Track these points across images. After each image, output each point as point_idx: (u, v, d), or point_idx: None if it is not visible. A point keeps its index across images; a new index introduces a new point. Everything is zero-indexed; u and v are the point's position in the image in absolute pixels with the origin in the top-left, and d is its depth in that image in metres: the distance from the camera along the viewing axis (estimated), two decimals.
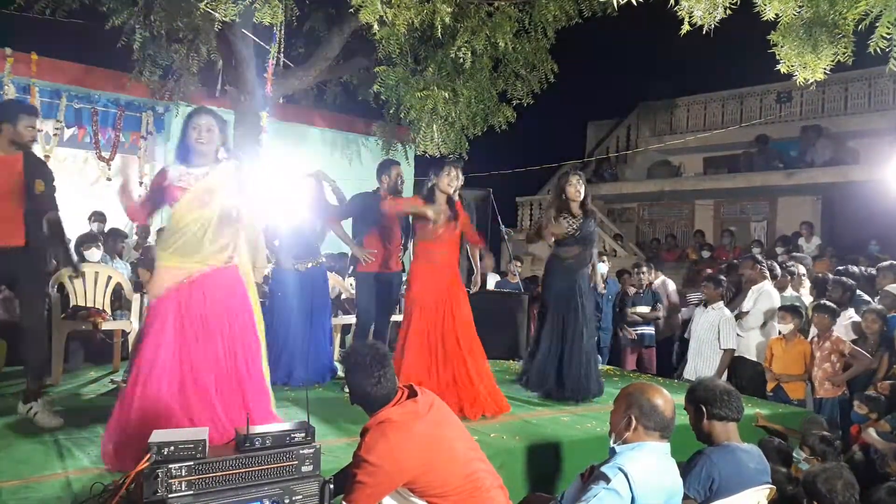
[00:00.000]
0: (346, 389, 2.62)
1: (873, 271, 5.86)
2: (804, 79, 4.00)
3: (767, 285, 5.64)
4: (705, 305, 5.76)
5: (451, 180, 4.28)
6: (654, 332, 7.22)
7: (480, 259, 4.97)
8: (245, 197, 3.27)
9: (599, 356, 6.87)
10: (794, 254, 8.22)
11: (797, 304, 5.62)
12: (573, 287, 4.76)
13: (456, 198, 4.39)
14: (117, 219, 8.25)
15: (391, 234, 4.95)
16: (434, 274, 4.31)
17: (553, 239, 4.78)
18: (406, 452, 2.34)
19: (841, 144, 11.52)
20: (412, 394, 2.53)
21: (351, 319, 6.29)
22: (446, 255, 4.38)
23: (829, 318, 5.04)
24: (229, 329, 3.13)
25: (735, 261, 8.06)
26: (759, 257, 6.08)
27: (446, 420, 2.58)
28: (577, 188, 4.75)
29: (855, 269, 6.23)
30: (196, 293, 3.09)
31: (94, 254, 5.54)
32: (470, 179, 5.82)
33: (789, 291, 5.99)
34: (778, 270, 6.07)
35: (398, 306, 5.60)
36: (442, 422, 2.53)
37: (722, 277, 6.00)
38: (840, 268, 6.18)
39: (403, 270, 5.08)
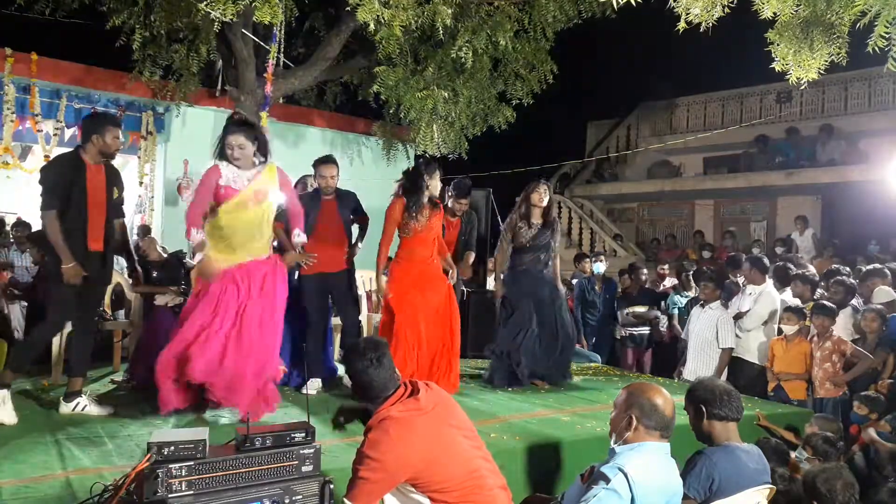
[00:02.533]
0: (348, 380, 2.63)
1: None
2: (797, 77, 4.00)
3: (769, 287, 5.63)
4: (702, 305, 5.76)
5: (438, 184, 4.50)
6: (651, 332, 7.21)
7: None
8: (288, 197, 3.72)
9: (598, 354, 6.87)
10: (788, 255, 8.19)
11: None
12: (534, 287, 5.02)
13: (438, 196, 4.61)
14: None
15: (335, 234, 4.78)
16: (412, 269, 4.47)
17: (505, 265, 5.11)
18: (408, 449, 2.35)
19: (840, 144, 11.51)
20: (416, 391, 2.53)
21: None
22: (427, 252, 4.55)
23: (829, 319, 5.04)
24: (265, 303, 3.62)
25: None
26: (764, 259, 6.03)
27: (451, 416, 2.57)
28: (541, 196, 5.07)
29: (845, 269, 6.21)
30: (244, 275, 3.56)
31: None
32: (470, 179, 5.83)
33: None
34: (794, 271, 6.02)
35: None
36: (446, 418, 2.53)
37: (720, 277, 5.99)
38: (831, 268, 6.16)
39: (351, 269, 4.95)
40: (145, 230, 8.01)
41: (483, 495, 2.46)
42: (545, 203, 5.10)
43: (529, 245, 5.05)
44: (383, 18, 5.26)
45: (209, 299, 3.55)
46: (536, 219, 5.09)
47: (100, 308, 4.22)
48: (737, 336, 5.56)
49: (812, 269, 6.27)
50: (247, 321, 3.53)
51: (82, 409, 3.82)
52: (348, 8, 5.41)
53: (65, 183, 3.68)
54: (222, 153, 3.62)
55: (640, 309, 7.17)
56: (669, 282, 7.87)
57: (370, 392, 2.52)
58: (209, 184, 3.55)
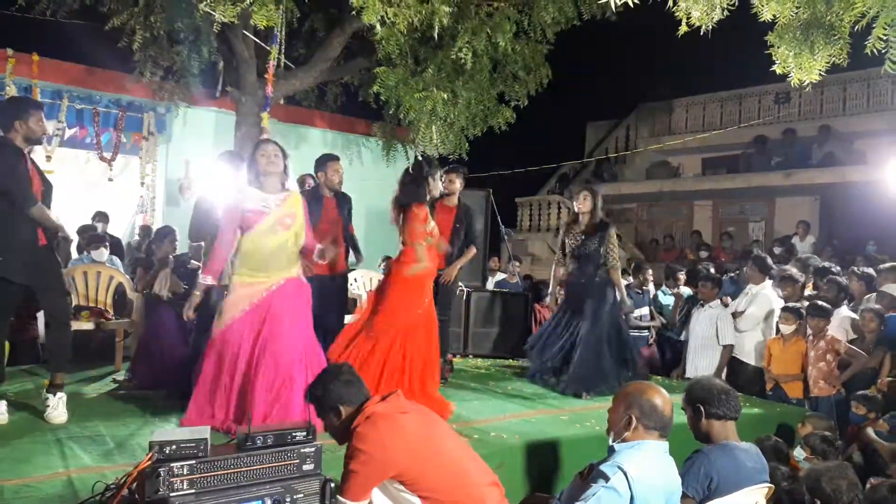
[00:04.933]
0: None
1: (870, 271, 5.87)
2: (799, 80, 4.01)
3: (766, 288, 5.65)
4: (702, 304, 5.78)
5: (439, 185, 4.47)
6: (648, 333, 7.16)
7: None
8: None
9: None
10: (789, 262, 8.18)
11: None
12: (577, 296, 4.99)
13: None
14: (118, 220, 8.29)
15: (335, 234, 4.70)
16: (419, 283, 4.24)
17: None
18: (395, 440, 2.39)
19: (841, 145, 11.52)
20: (388, 397, 2.58)
21: (352, 319, 6.29)
22: (433, 261, 4.36)
23: (824, 320, 5.06)
24: (297, 328, 3.52)
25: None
26: (768, 259, 6.03)
27: (430, 418, 2.65)
28: (581, 203, 5.06)
29: (836, 267, 6.24)
30: (275, 301, 3.48)
31: (102, 254, 5.61)
32: (470, 180, 5.78)
33: None
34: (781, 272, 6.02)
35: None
36: (426, 419, 2.61)
37: (719, 276, 6.01)
38: (822, 266, 6.17)
39: (346, 271, 4.91)
40: (146, 230, 8.02)
41: (474, 493, 2.49)
42: (587, 210, 5.05)
43: (575, 253, 5.05)
44: (388, 19, 5.26)
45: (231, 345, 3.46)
46: (583, 227, 5.07)
47: (64, 302, 3.91)
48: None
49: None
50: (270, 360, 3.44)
51: (45, 404, 3.70)
52: (353, 11, 5.41)
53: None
54: (254, 169, 3.55)
55: (643, 311, 7.08)
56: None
57: (344, 405, 2.51)
58: (236, 209, 3.49)
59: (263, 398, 3.37)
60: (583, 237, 4.99)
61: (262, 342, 3.43)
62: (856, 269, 5.94)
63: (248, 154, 3.59)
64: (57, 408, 3.68)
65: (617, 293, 5.04)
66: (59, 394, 3.72)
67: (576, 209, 5.07)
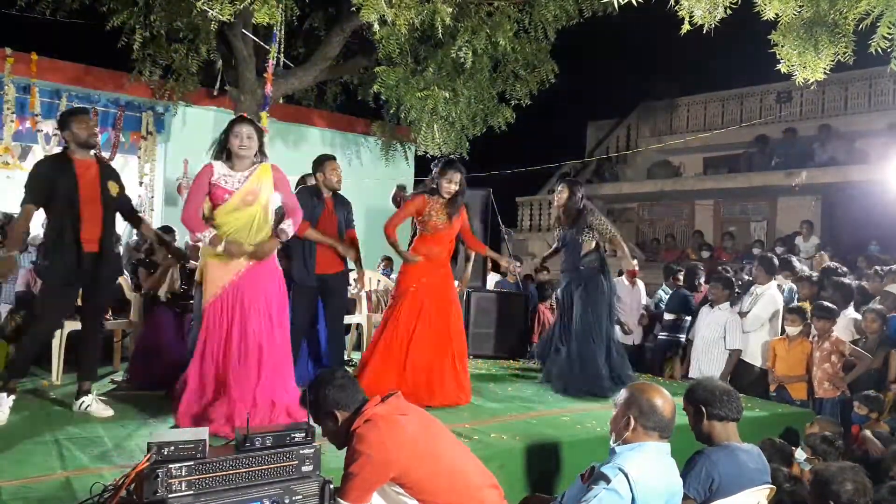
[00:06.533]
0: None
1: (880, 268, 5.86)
2: (804, 78, 4.00)
3: (772, 289, 5.62)
4: (711, 306, 5.74)
5: (450, 185, 4.48)
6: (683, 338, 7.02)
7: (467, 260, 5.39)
8: (284, 194, 3.59)
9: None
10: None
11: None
12: (567, 288, 5.09)
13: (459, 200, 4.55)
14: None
15: (333, 233, 4.70)
16: (427, 266, 4.51)
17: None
18: (394, 441, 2.38)
19: (842, 144, 11.51)
20: (387, 399, 2.57)
21: (352, 319, 6.28)
22: (443, 252, 4.59)
23: (829, 321, 5.04)
24: (267, 309, 3.49)
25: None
26: (774, 260, 6.00)
27: (429, 421, 2.64)
28: (557, 196, 5.14)
29: (842, 268, 6.21)
30: (245, 284, 3.44)
31: None
32: (470, 179, 5.77)
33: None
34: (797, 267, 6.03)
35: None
36: (425, 422, 2.60)
37: (731, 278, 5.97)
38: (827, 267, 6.14)
39: (346, 270, 4.88)
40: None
41: (473, 495, 2.48)
42: (561, 203, 5.11)
43: (557, 246, 5.31)
44: (388, 18, 5.25)
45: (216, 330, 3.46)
46: (563, 219, 5.19)
47: (102, 311, 4.11)
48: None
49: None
50: (244, 348, 3.44)
51: (85, 408, 3.82)
52: (353, 8, 5.40)
53: (46, 179, 3.65)
54: (221, 150, 3.52)
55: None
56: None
57: (339, 409, 2.50)
58: (202, 183, 3.47)
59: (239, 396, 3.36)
60: (566, 228, 5.14)
61: (235, 332, 3.42)
62: (879, 268, 5.91)
63: (221, 132, 3.53)
64: (96, 403, 3.82)
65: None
66: (90, 395, 3.87)
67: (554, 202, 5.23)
